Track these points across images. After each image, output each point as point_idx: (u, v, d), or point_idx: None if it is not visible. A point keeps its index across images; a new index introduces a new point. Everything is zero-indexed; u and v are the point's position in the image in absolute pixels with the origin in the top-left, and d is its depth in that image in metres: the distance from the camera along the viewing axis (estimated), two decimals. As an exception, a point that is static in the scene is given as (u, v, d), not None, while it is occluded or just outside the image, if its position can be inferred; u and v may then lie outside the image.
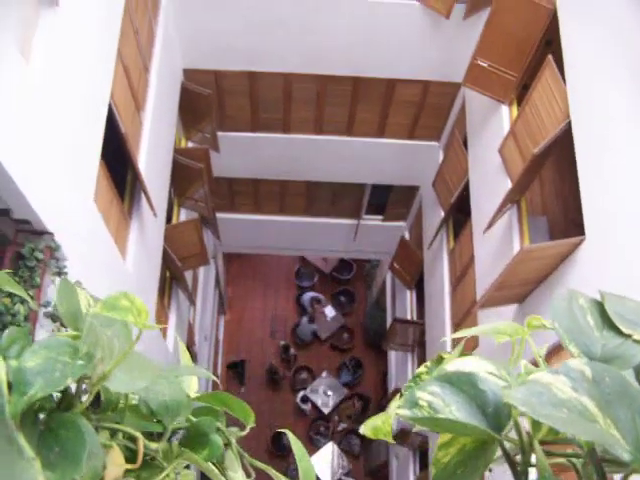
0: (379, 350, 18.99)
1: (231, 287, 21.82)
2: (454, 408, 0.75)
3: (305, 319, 20.61)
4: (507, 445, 0.87)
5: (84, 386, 0.89)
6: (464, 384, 0.79)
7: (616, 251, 6.30)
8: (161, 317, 11.24)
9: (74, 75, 6.42)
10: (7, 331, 0.89)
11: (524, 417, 0.81)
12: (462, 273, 11.26)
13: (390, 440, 1.09)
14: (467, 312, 10.63)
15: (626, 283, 5.85)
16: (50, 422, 0.82)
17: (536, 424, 0.81)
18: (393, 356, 17.64)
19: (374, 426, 1.08)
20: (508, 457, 0.78)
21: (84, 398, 0.93)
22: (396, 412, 0.75)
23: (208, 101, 11.61)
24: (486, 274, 9.29)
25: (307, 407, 19.32)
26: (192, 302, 13.93)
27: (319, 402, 19.38)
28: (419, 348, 14.71)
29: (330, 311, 20.90)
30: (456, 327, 11.25)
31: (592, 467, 0.78)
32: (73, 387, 0.89)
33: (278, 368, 19.88)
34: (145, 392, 0.97)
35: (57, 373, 0.77)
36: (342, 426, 19.24)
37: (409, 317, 15.49)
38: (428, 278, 13.70)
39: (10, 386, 0.77)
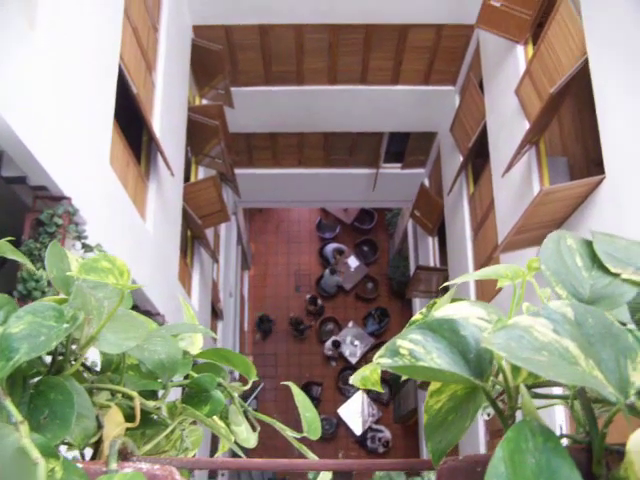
0: (404, 298, 19.05)
1: (254, 243, 21.91)
2: (435, 355, 0.75)
3: (328, 271, 20.66)
4: (497, 389, 0.87)
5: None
6: (445, 331, 0.78)
7: (637, 189, 6.21)
8: (184, 276, 11.34)
9: (82, 38, 6.38)
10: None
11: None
12: (483, 217, 11.20)
13: (379, 389, 1.10)
14: (489, 257, 10.60)
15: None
16: (40, 386, 0.83)
17: (516, 368, 0.80)
18: (418, 304, 17.68)
19: (363, 376, 1.08)
20: (493, 403, 0.78)
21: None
22: (377, 361, 0.75)
23: (220, 57, 11.52)
24: (507, 217, 9.23)
25: (333, 354, 19.48)
26: (215, 259, 14.02)
27: (347, 352, 19.54)
28: (443, 294, 14.71)
29: (353, 261, 20.93)
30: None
31: (580, 407, 0.78)
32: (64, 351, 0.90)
33: (302, 318, 20.02)
34: (139, 351, 0.97)
35: (42, 337, 0.78)
36: (370, 375, 19.39)
37: (432, 264, 15.49)
38: (449, 224, 13.65)
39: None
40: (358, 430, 18.37)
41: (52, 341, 0.77)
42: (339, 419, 18.55)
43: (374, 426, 18.52)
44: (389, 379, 18.86)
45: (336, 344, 19.48)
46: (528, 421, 0.67)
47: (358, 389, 18.81)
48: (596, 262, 0.90)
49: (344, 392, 19.06)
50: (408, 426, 18.53)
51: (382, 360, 0.74)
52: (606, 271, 0.88)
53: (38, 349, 0.76)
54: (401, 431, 18.85)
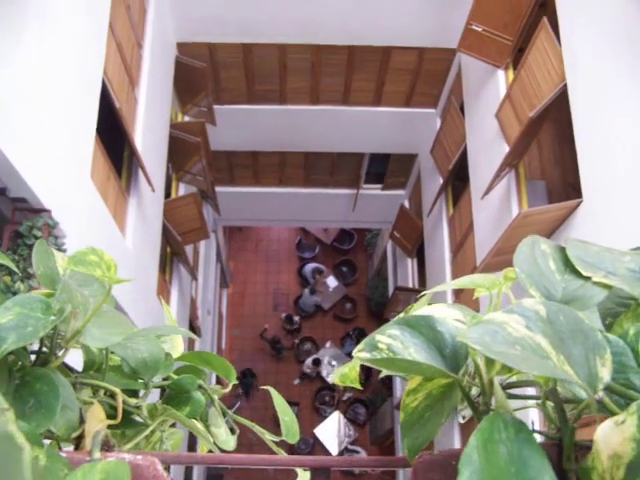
0: (382, 319, 19.04)
1: (233, 261, 21.85)
2: (412, 350, 0.77)
3: (307, 291, 20.63)
4: (473, 394, 0.90)
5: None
6: (422, 327, 0.81)
7: (613, 213, 6.30)
8: (163, 292, 11.29)
9: (66, 52, 6.38)
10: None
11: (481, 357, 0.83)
12: (462, 239, 11.28)
13: (357, 386, 1.12)
14: (468, 278, 10.64)
15: (623, 245, 5.86)
16: (26, 377, 0.85)
17: (489, 362, 0.83)
18: (396, 325, 17.66)
19: (342, 373, 1.10)
20: (468, 397, 0.81)
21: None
22: (356, 355, 0.77)
23: (203, 74, 11.56)
24: (486, 240, 9.30)
25: (311, 371, 19.41)
26: (194, 276, 13.97)
27: (324, 372, 19.49)
28: (421, 315, 14.73)
29: (332, 282, 20.93)
30: (457, 293, 11.29)
31: (552, 406, 0.80)
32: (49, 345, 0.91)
33: (279, 337, 19.95)
34: (123, 349, 0.99)
35: (29, 328, 0.80)
36: (347, 396, 19.36)
37: (411, 285, 15.54)
38: (428, 245, 13.72)
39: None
40: (334, 450, 18.27)
41: (39, 332, 0.79)
42: (315, 439, 18.46)
43: (350, 447, 18.43)
44: (366, 400, 18.84)
45: (316, 362, 19.43)
46: (501, 413, 0.69)
47: (335, 409, 18.77)
48: (568, 266, 0.93)
49: (321, 412, 18.98)
50: (384, 447, 18.46)
51: (361, 354, 0.77)
52: (578, 275, 0.91)
53: (25, 338, 0.78)
54: (377, 452, 18.77)
